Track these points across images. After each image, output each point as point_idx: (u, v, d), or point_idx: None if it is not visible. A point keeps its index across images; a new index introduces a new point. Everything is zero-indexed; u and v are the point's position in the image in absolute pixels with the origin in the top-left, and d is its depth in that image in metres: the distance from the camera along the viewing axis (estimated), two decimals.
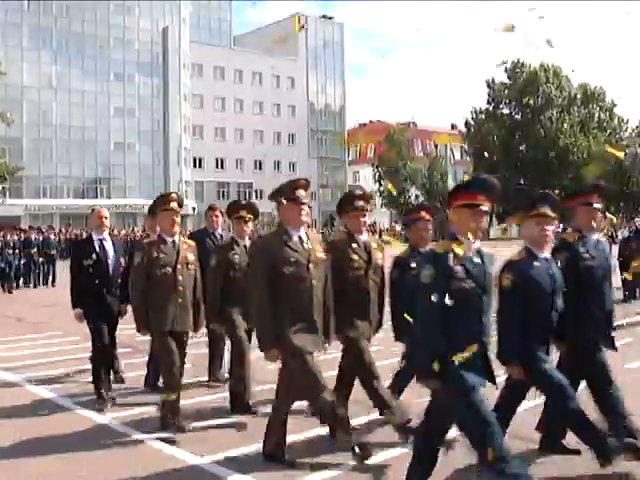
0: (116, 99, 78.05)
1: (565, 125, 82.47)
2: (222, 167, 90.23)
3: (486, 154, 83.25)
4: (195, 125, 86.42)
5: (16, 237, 27.50)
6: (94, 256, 8.58)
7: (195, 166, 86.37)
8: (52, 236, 32.73)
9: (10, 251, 26.12)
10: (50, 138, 74.40)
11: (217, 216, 9.72)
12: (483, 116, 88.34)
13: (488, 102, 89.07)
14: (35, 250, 27.49)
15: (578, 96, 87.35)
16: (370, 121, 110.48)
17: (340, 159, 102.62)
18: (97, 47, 77.37)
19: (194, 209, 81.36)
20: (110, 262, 8.70)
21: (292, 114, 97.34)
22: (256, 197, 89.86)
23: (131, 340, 12.81)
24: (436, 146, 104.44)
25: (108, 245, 8.79)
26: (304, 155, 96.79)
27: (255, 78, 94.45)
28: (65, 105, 74.90)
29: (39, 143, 73.88)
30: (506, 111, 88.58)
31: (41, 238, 29.19)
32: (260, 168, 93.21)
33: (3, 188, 61.57)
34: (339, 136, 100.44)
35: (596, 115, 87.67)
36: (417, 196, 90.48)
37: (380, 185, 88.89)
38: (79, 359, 10.56)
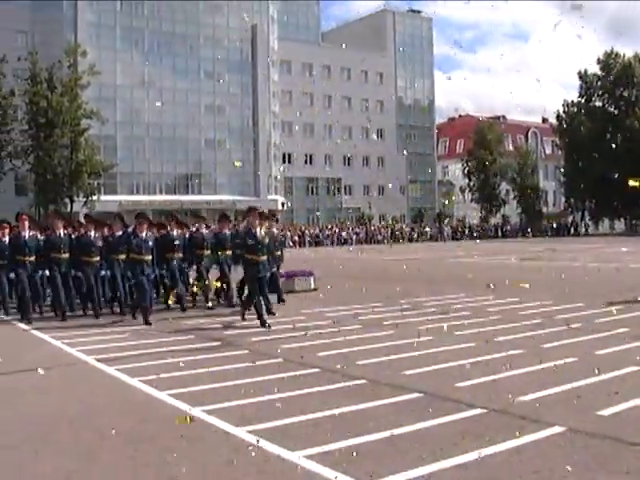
0: (206, 97, 79.09)
1: None
2: (311, 163, 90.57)
3: (578, 148, 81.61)
4: (284, 121, 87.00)
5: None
6: None
7: (284, 162, 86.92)
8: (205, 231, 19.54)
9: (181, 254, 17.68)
10: (142, 136, 75.88)
11: None
12: (575, 109, 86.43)
13: (580, 95, 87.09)
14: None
15: None
16: (459, 115, 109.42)
17: (429, 154, 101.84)
18: (187, 46, 78.55)
19: (283, 204, 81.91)
20: None
21: (380, 109, 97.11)
22: (345, 192, 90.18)
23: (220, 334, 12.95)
24: (527, 140, 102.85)
25: None
26: (393, 150, 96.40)
27: (343, 74, 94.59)
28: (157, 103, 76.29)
29: (132, 141, 75.45)
30: (599, 104, 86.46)
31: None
32: (349, 164, 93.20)
33: (98, 184, 63.26)
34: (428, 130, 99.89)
35: None
36: (507, 191, 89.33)
37: (469, 180, 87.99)
38: None
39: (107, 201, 65.11)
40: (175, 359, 10.17)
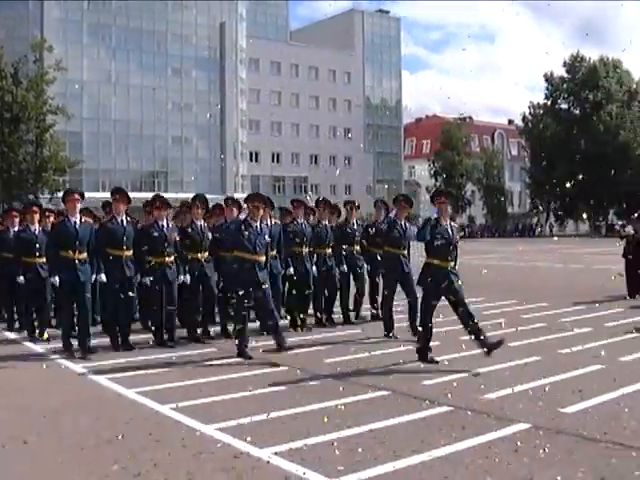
0: (174, 94, 78.64)
1: (625, 120, 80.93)
2: (278, 161, 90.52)
3: (544, 150, 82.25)
4: (252, 119, 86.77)
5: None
6: None
7: (251, 160, 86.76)
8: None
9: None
10: (109, 132, 75.31)
11: None
12: (541, 111, 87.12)
13: (546, 97, 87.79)
14: None
15: (639, 91, 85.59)
16: (426, 116, 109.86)
17: (396, 154, 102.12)
18: (155, 43, 78.10)
19: None
20: None
21: (348, 108, 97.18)
22: (312, 191, 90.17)
23: None
24: (493, 141, 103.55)
25: None
26: (360, 150, 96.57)
27: (311, 72, 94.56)
28: (124, 100, 75.75)
29: (98, 137, 74.84)
30: (565, 106, 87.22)
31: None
32: (316, 162, 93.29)
33: (63, 181, 62.65)
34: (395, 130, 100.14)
35: None
36: (473, 191, 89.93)
37: (436, 180, 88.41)
38: None
39: None
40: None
